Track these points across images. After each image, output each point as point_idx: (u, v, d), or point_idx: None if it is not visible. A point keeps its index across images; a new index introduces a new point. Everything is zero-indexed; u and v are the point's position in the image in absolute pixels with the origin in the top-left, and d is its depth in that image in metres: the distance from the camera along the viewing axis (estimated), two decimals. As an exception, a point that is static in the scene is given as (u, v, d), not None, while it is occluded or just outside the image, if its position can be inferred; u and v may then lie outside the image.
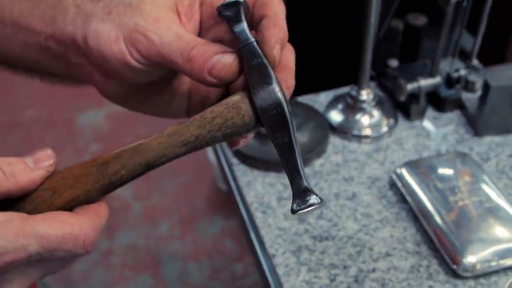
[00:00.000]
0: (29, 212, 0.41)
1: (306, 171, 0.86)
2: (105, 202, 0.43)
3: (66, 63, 0.46)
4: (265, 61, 0.41)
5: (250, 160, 0.87)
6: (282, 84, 0.42)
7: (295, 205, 0.40)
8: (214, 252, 1.92)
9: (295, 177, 0.41)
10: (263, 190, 0.84)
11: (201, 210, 2.06)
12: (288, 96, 0.43)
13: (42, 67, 0.49)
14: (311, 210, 0.40)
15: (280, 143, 0.41)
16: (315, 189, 0.82)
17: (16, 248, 0.37)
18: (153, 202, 2.08)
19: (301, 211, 0.40)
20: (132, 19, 0.42)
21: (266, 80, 0.41)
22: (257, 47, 0.41)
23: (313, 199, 0.40)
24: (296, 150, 0.41)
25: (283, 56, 0.44)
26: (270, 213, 0.80)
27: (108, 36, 0.42)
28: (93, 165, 0.42)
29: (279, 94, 0.41)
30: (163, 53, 0.42)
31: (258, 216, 0.80)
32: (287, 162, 0.41)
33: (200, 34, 0.46)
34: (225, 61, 0.41)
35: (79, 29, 0.44)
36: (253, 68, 0.41)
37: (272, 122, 0.41)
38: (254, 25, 0.44)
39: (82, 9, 0.44)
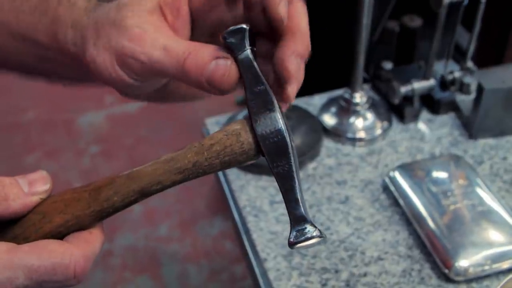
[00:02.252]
0: (17, 236, 0.40)
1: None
2: (99, 229, 0.42)
3: (81, 71, 0.46)
4: (268, 87, 0.40)
5: (243, 164, 0.86)
6: (292, 53, 0.40)
7: (292, 237, 0.38)
8: (213, 254, 1.92)
9: (294, 208, 0.39)
10: (255, 194, 0.83)
11: (201, 212, 2.06)
12: (302, 68, 0.41)
13: (60, 74, 0.49)
14: (310, 244, 0.38)
15: (280, 172, 0.39)
16: (307, 194, 0.82)
17: (2, 282, 0.36)
18: (153, 203, 2.08)
19: (299, 245, 0.38)
20: (119, 41, 0.41)
21: (267, 107, 0.40)
22: (260, 73, 0.40)
23: (311, 231, 0.38)
24: (296, 180, 0.39)
25: (291, 18, 0.41)
26: (262, 216, 0.80)
27: (104, 62, 0.42)
28: (85, 190, 0.41)
29: (281, 121, 0.39)
30: (157, 70, 0.41)
31: (250, 220, 0.80)
32: (287, 192, 0.39)
33: (195, 24, 0.45)
34: (222, 69, 0.40)
35: (80, 50, 0.43)
36: (255, 95, 0.40)
37: (272, 150, 0.39)
38: None
39: (78, 30, 0.43)
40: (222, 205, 2.10)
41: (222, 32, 0.41)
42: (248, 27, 0.41)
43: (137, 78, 0.42)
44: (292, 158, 0.39)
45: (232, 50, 0.40)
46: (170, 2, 0.43)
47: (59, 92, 2.51)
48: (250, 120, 0.40)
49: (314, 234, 0.38)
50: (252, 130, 0.40)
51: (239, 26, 0.40)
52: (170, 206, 2.08)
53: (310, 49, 0.42)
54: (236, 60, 0.40)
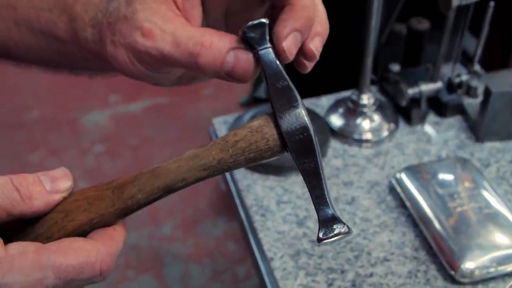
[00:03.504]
0: (40, 235, 0.40)
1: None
2: (122, 225, 0.41)
3: (104, 64, 0.46)
4: (291, 83, 0.40)
5: (250, 163, 0.87)
6: (290, 31, 0.39)
7: (321, 233, 0.39)
8: (216, 254, 1.92)
9: (321, 204, 0.40)
10: (262, 193, 0.84)
11: (204, 212, 2.06)
12: (321, 44, 0.41)
13: (83, 67, 0.49)
14: (338, 239, 0.39)
15: (306, 168, 0.40)
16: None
17: (32, 283, 0.35)
18: (156, 203, 2.07)
19: (327, 240, 0.39)
20: (132, 37, 0.41)
21: (292, 103, 0.40)
22: (282, 69, 0.40)
23: (339, 227, 0.39)
24: (322, 176, 0.40)
25: None
26: (269, 216, 0.80)
27: (123, 60, 0.42)
28: (108, 188, 0.40)
29: (306, 118, 0.39)
30: (171, 63, 0.41)
31: (257, 219, 0.80)
32: (314, 189, 0.40)
33: (206, 2, 0.44)
34: (244, 61, 0.39)
35: (100, 47, 0.43)
36: (278, 91, 0.40)
37: (298, 147, 0.39)
38: (274, 14, 0.41)
39: (96, 28, 0.43)
40: (225, 205, 2.11)
41: (238, 22, 0.41)
42: (267, 22, 0.40)
43: (157, 71, 0.42)
44: (318, 153, 0.40)
45: (252, 45, 0.40)
46: None
47: (63, 91, 2.52)
48: (274, 116, 0.40)
49: (342, 230, 0.39)
50: (277, 126, 0.40)
51: (259, 21, 0.40)
52: (173, 205, 2.08)
53: (312, 20, 0.40)
54: (257, 55, 0.40)
